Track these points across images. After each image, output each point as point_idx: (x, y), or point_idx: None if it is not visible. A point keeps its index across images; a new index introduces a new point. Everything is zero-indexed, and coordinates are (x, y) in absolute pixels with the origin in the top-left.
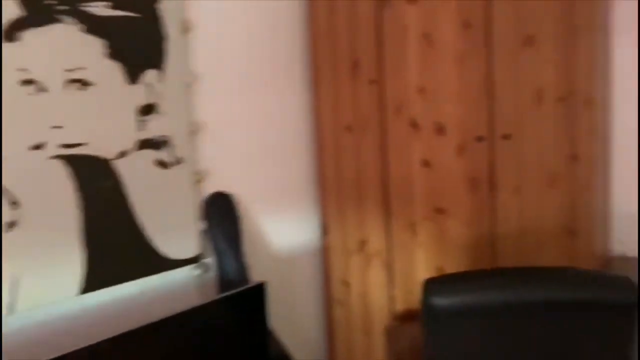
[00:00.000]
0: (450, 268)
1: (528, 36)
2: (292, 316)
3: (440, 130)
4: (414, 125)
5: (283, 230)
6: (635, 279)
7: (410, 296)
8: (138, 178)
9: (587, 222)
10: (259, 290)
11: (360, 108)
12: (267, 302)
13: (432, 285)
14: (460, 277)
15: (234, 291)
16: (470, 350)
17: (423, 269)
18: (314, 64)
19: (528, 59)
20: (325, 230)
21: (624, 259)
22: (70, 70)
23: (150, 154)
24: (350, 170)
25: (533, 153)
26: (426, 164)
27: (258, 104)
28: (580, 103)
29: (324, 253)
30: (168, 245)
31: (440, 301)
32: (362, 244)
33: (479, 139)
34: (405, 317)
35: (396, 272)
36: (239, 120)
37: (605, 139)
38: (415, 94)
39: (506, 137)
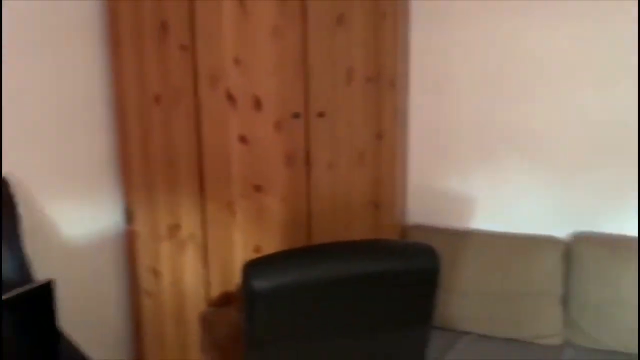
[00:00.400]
0: (268, 247)
1: (340, 15)
2: (92, 313)
3: (257, 104)
4: (231, 98)
5: (77, 217)
6: (432, 245)
7: (227, 279)
8: None
9: (389, 195)
10: (45, 290)
11: (170, 76)
12: (55, 302)
13: (252, 268)
14: (278, 258)
15: (11, 294)
16: (292, 329)
17: (241, 250)
18: (113, 24)
19: (340, 38)
20: (129, 215)
21: (418, 227)
22: None
23: None
24: (159, 146)
25: (344, 131)
26: (243, 139)
27: (42, 67)
28: (385, 84)
29: (129, 240)
30: None
31: (261, 284)
32: (174, 228)
33: (296, 115)
34: (223, 302)
35: (212, 255)
36: (16, 86)
37: (404, 118)
38: (231, 65)
39: (321, 114)
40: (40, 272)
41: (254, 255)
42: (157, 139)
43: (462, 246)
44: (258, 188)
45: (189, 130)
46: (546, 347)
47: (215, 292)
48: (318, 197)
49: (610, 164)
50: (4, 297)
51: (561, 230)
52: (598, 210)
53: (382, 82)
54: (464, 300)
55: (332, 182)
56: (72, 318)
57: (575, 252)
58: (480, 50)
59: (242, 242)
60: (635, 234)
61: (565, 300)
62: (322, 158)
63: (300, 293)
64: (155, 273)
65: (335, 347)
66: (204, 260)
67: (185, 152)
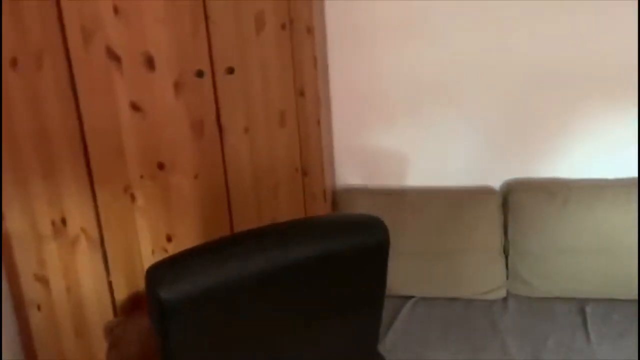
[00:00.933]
0: (183, 234)
1: None
2: None
3: (149, 63)
4: (113, 56)
5: None
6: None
7: (135, 280)
8: None
9: (317, 158)
10: None
11: (28, 32)
12: None
13: (157, 273)
14: (192, 257)
15: None
16: (217, 339)
17: (148, 242)
18: None
19: None
20: None
21: (349, 190)
22: None
23: None
24: (25, 122)
25: (259, 88)
26: (136, 107)
27: None
28: (302, 31)
29: (3, 244)
30: None
31: (171, 293)
32: (60, 223)
33: (199, 73)
34: (132, 307)
35: (113, 252)
36: None
37: (325, 70)
38: (110, 14)
39: (229, 70)
40: None
41: (166, 247)
42: (20, 112)
43: (396, 206)
44: (161, 165)
45: (62, 99)
46: (490, 302)
47: (122, 295)
48: (236, 169)
49: (537, 107)
50: None
51: (495, 181)
52: (529, 156)
53: (298, 28)
54: (402, 263)
55: (250, 149)
56: None
57: (512, 200)
58: None
59: (149, 232)
60: (569, 175)
61: (506, 252)
62: (237, 122)
63: (225, 295)
64: (42, 280)
65: (275, 350)
66: (103, 259)
67: (62, 127)
